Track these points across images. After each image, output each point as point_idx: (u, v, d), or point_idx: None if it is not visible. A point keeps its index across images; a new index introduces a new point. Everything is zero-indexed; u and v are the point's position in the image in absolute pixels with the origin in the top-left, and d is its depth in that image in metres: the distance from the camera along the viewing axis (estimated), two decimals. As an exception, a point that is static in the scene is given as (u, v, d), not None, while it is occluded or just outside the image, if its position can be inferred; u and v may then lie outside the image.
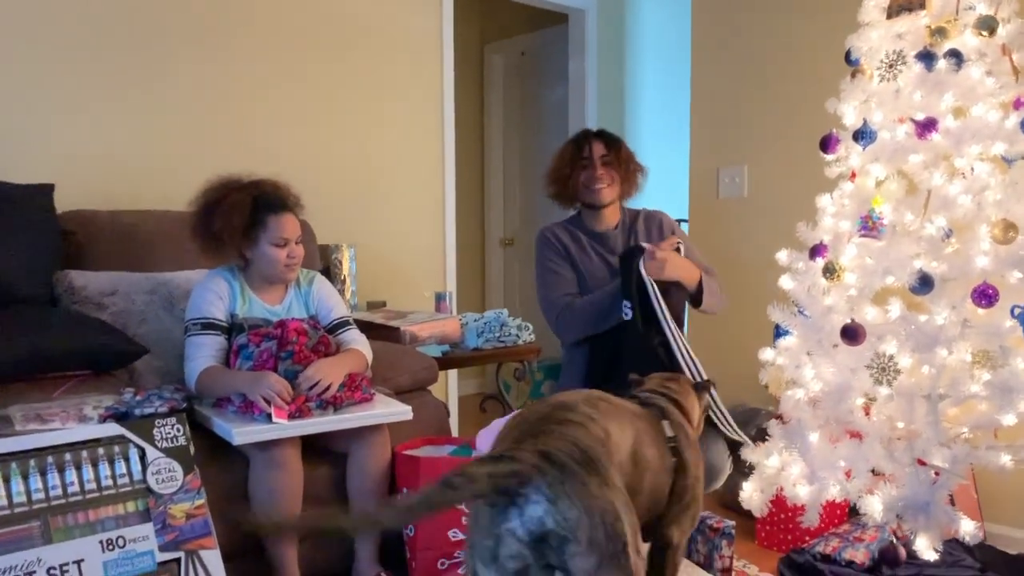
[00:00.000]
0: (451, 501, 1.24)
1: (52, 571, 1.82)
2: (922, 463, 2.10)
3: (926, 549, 2.09)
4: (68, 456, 1.94)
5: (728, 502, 2.90)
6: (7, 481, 1.85)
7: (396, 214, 3.79)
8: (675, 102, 4.35)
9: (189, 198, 2.40)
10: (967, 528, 2.04)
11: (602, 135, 2.74)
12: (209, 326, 2.28)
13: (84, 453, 1.97)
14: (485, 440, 2.49)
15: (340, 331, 2.46)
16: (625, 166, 2.70)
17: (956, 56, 2.18)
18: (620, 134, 4.83)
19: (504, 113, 5.49)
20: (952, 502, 2.13)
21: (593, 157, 2.68)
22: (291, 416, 2.13)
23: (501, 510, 1.26)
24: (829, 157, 2.49)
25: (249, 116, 3.30)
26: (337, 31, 3.54)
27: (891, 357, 2.15)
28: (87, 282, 2.48)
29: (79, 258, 2.59)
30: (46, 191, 2.56)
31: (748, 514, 2.62)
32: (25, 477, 1.87)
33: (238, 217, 2.30)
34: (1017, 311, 2.08)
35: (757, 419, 3.18)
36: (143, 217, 2.78)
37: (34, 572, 1.79)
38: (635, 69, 4.89)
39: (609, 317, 2.52)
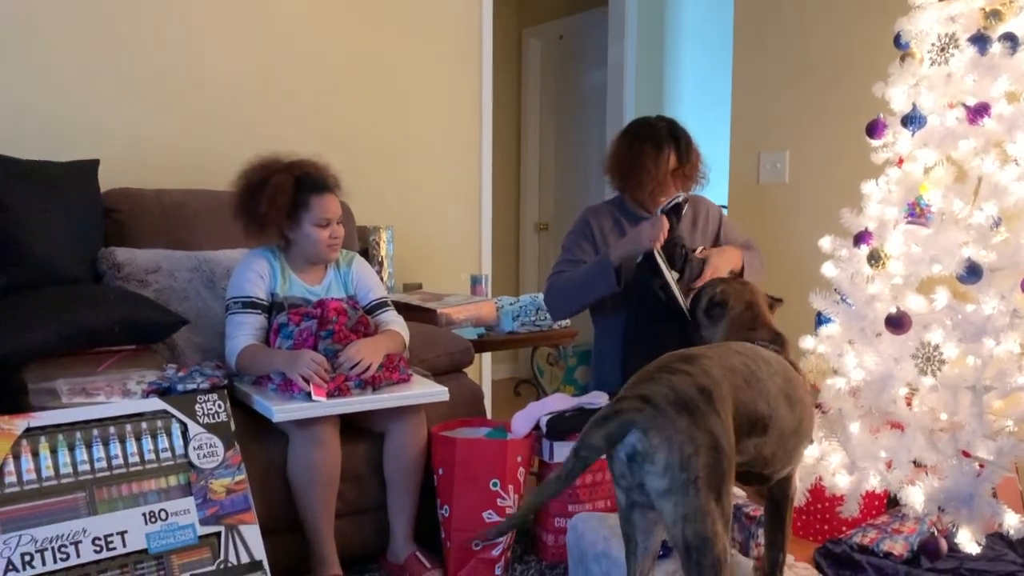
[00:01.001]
0: (585, 466, 1.54)
1: (97, 541, 1.85)
2: (966, 455, 2.06)
3: (968, 542, 2.06)
4: (112, 429, 1.98)
5: (763, 491, 2.88)
6: (54, 452, 1.89)
7: (433, 197, 3.80)
8: (715, 86, 4.29)
9: (231, 177, 2.42)
10: (1011, 522, 2.01)
11: (677, 141, 2.62)
12: (250, 304, 2.30)
13: (128, 427, 2.00)
14: (521, 423, 2.50)
15: (378, 312, 2.47)
16: (692, 177, 2.66)
17: (1011, 40, 2.13)
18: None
19: (541, 97, 5.46)
20: (995, 495, 2.09)
21: (664, 169, 2.59)
22: (330, 394, 2.15)
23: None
24: (876, 143, 2.44)
25: (290, 96, 3.31)
26: (378, 12, 3.54)
27: (936, 347, 2.11)
28: (131, 259, 2.51)
29: (123, 235, 2.62)
30: (91, 168, 2.60)
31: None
32: (71, 449, 1.91)
33: (282, 198, 2.31)
34: (1069, 302, 2.03)
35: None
36: (188, 196, 2.81)
37: (80, 542, 1.83)
38: (675, 53, 4.84)
39: (587, 291, 2.57)
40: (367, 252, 3.24)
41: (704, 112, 4.60)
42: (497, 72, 4.21)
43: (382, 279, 3.31)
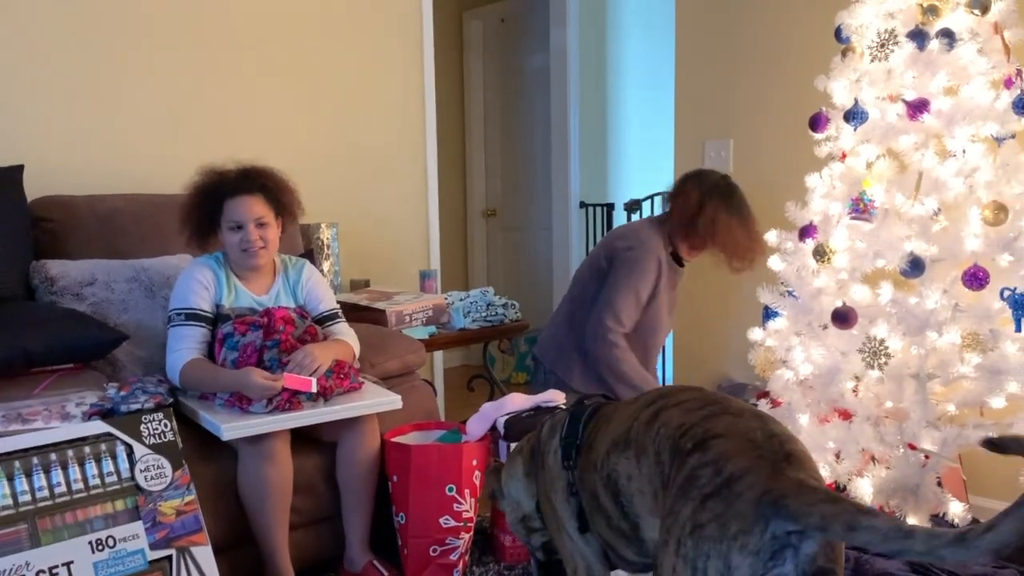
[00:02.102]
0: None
1: (41, 574, 1.79)
2: (912, 447, 2.12)
3: (915, 530, 2.11)
4: (53, 456, 1.91)
5: None
6: (-9, 484, 1.81)
7: (378, 190, 3.73)
8: (660, 72, 4.30)
9: (168, 179, 2.35)
10: (955, 510, 2.07)
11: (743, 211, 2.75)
12: (193, 316, 2.24)
13: (70, 452, 1.94)
14: (476, 425, 2.48)
15: (329, 323, 2.42)
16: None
17: (948, 36, 2.16)
18: (602, 104, 4.82)
19: (484, 81, 5.41)
20: (940, 483, 2.15)
21: (737, 236, 2.70)
22: (287, 403, 2.12)
23: (775, 551, 1.20)
24: (818, 136, 2.47)
25: (225, 95, 3.21)
26: (312, 3, 3.45)
27: (882, 341, 2.15)
28: (64, 271, 2.42)
29: (54, 247, 2.52)
30: (14, 174, 2.48)
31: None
32: (10, 479, 1.84)
33: (200, 202, 2.31)
34: (1007, 294, 2.09)
35: (744, 394, 3.20)
36: (123, 201, 2.71)
37: (23, 576, 1.77)
38: (618, 38, 4.82)
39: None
40: (312, 251, 3.18)
41: (648, 96, 4.61)
42: (439, 57, 4.15)
43: (328, 278, 3.26)
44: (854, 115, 2.29)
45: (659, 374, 2.73)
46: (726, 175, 2.77)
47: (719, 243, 2.70)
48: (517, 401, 2.52)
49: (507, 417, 2.46)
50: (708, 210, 2.64)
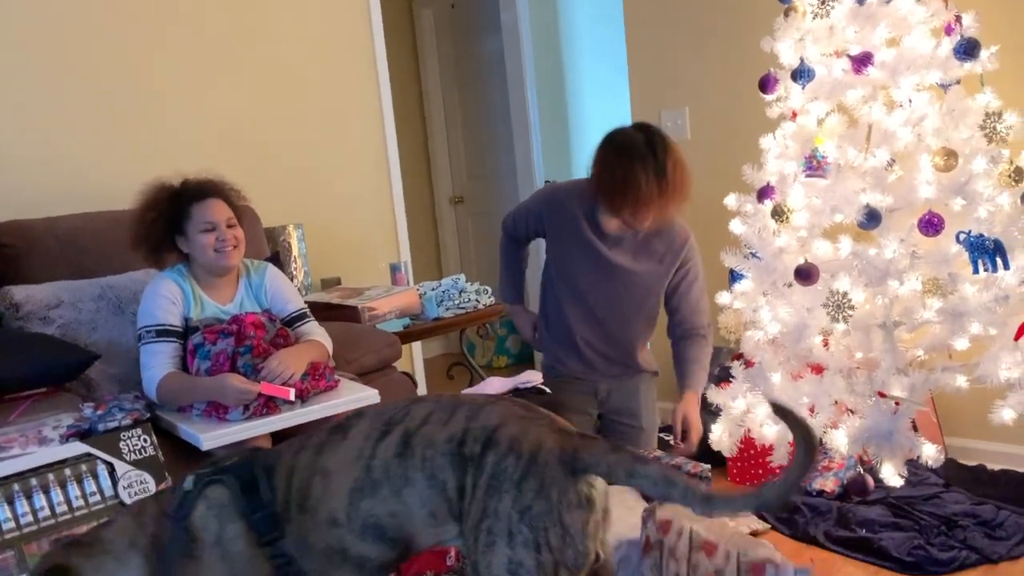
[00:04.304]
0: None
1: (33, 599, 1.80)
2: (883, 395, 2.16)
3: (892, 476, 2.16)
4: (34, 481, 1.91)
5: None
6: (-26, 515, 1.81)
7: (341, 186, 3.72)
8: (612, 45, 4.30)
9: (125, 193, 2.34)
10: (929, 452, 2.12)
11: (660, 164, 2.30)
12: (163, 332, 2.23)
13: (51, 476, 1.93)
14: (455, 413, 2.50)
15: (298, 324, 2.42)
16: (677, 200, 2.36)
17: (886, -13, 2.18)
18: (559, 81, 4.82)
19: (440, 69, 5.39)
20: (915, 427, 2.20)
21: (646, 195, 2.29)
22: (264, 408, 2.13)
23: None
24: (769, 97, 2.49)
25: (178, 106, 3.19)
26: (259, 5, 3.42)
27: (845, 294, 2.19)
28: (28, 296, 2.40)
29: (16, 272, 2.50)
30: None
31: (707, 449, 2.68)
32: (-8, 508, 1.84)
33: (152, 213, 2.30)
34: (963, 237, 2.13)
35: (719, 358, 3.24)
36: (82, 220, 2.69)
37: (14, 603, 1.78)
38: (569, 14, 4.81)
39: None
40: (278, 254, 3.17)
41: (604, 70, 4.61)
42: (391, 47, 4.13)
43: (298, 279, 3.25)
44: (801, 74, 2.32)
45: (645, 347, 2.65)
46: (649, 130, 2.42)
47: (594, 178, 2.41)
48: (495, 385, 2.54)
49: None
50: (596, 152, 2.43)
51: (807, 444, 1.26)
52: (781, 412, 1.31)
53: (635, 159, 2.29)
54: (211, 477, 1.47)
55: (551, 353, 2.67)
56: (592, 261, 2.50)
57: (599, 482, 1.37)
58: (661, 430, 2.83)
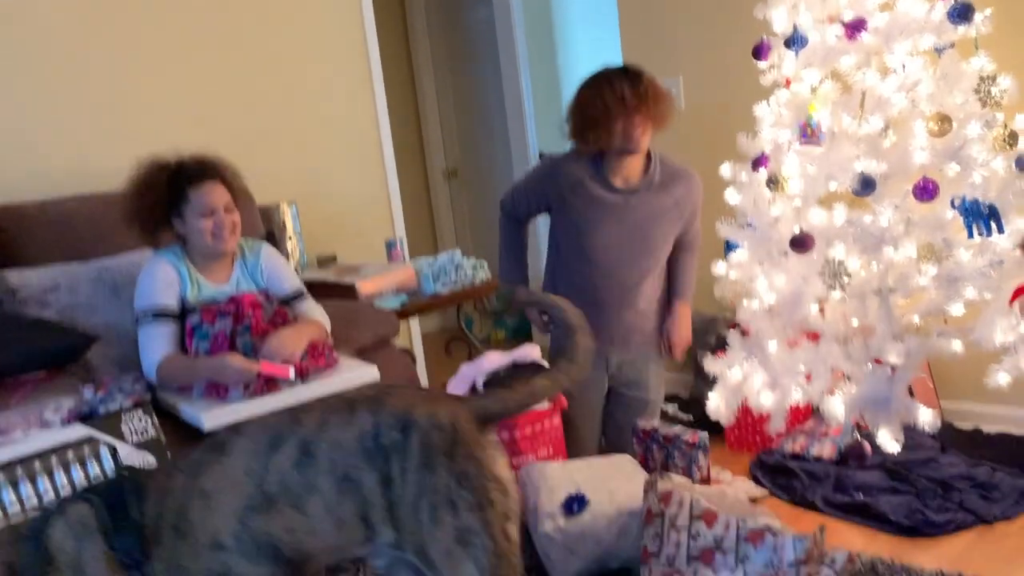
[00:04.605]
0: None
1: (40, 581, 1.81)
2: (879, 362, 2.17)
3: (889, 441, 2.18)
4: (37, 464, 1.92)
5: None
6: (-22, 499, 1.82)
7: (334, 162, 3.71)
8: (605, 13, 4.26)
9: (117, 177, 2.33)
10: (925, 418, 2.14)
11: (632, 74, 2.48)
12: (161, 315, 2.24)
13: (54, 459, 1.94)
14: (456, 387, 2.52)
15: (295, 303, 2.42)
16: (661, 109, 2.48)
17: (879, -49, 2.17)
18: (551, 50, 4.78)
19: (431, 41, 5.34)
20: (911, 392, 2.22)
21: (627, 100, 2.42)
22: (264, 387, 2.13)
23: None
24: (762, 65, 2.48)
25: (168, 85, 3.16)
26: (246, -20, 3.38)
27: (841, 262, 2.19)
28: (25, 281, 2.40)
29: (11, 256, 2.49)
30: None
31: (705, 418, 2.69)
32: (-4, 492, 1.85)
33: (152, 195, 2.27)
34: (957, 202, 2.13)
35: (716, 327, 3.25)
36: (76, 203, 2.68)
37: (22, 585, 1.79)
38: (560, -19, 4.77)
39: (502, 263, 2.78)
40: (273, 233, 3.16)
41: (597, 40, 4.58)
42: (381, 19, 4.08)
43: (293, 257, 3.25)
44: (794, 41, 2.30)
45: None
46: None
47: (573, 128, 2.53)
48: (493, 359, 2.55)
49: (487, 376, 2.50)
50: (571, 100, 2.55)
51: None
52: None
53: (605, 78, 2.47)
54: (77, 496, 1.41)
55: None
56: (611, 217, 2.54)
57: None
58: None
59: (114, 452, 2.02)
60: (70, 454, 1.97)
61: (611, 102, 2.42)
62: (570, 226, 2.59)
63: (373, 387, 1.51)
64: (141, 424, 2.08)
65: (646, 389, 2.72)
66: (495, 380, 2.49)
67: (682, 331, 2.66)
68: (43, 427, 2.00)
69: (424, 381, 3.83)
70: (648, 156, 2.56)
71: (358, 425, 1.38)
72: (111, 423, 2.05)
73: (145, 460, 2.05)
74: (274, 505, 1.35)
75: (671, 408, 3.24)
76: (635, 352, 2.69)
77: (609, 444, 2.80)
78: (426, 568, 1.35)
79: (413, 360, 2.88)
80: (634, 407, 2.74)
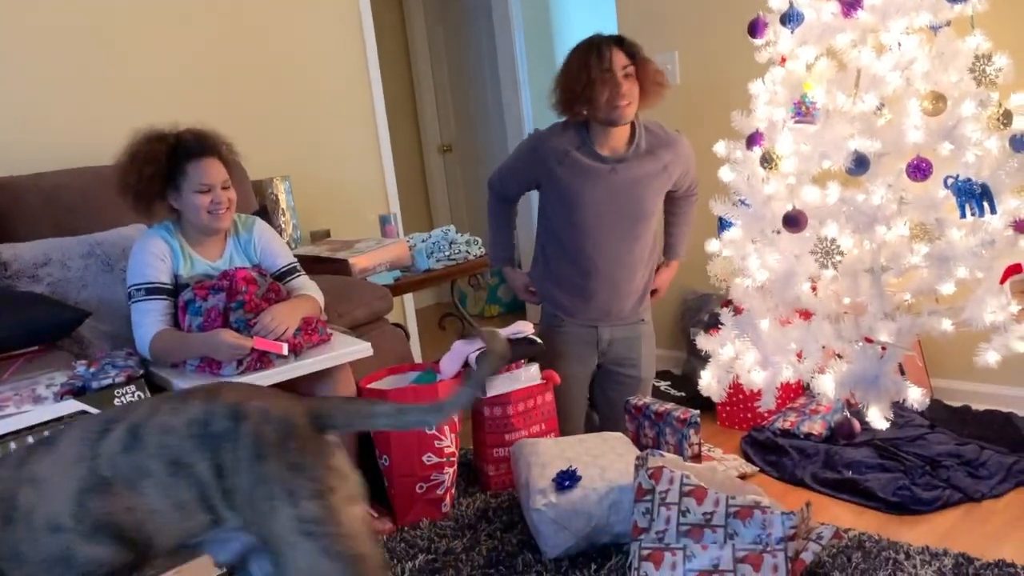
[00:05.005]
0: None
1: (35, 554, 1.82)
2: (869, 341, 2.18)
3: (878, 419, 2.20)
4: (30, 440, 1.92)
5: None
6: (-28, 474, 1.83)
7: (327, 136, 3.69)
8: (600, -12, 4.23)
9: (109, 151, 2.31)
10: (915, 396, 2.15)
11: (622, 43, 2.51)
12: (154, 290, 2.23)
13: (47, 434, 1.95)
14: (449, 363, 2.53)
15: (288, 278, 2.42)
16: (649, 82, 2.51)
17: (876, -73, 2.14)
18: (546, 25, 4.75)
19: (425, 14, 5.29)
20: (902, 371, 2.23)
21: (615, 70, 2.46)
22: (258, 363, 2.14)
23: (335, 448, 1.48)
24: (758, 42, 2.46)
25: (161, 59, 3.13)
26: (239, -49, 3.34)
27: (833, 240, 2.19)
28: (16, 255, 2.39)
29: (4, 230, 2.49)
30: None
31: (697, 395, 2.71)
32: (-10, 467, 1.85)
33: (150, 168, 2.25)
34: (950, 182, 2.13)
35: (709, 304, 3.26)
36: (68, 176, 2.67)
37: (17, 558, 1.80)
38: (555, -44, 4.72)
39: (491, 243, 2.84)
40: (266, 208, 3.15)
41: (592, 12, 4.54)
42: (375, -6, 4.05)
43: (286, 232, 3.24)
44: (790, 17, 2.29)
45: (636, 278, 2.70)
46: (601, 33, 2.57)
47: (561, 96, 2.56)
48: (486, 336, 2.55)
49: (478, 353, 2.50)
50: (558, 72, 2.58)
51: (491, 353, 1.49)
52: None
53: (595, 46, 2.49)
54: None
55: (554, 303, 2.71)
56: (599, 185, 2.57)
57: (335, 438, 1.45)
58: None
59: (107, 427, 2.03)
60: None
61: (597, 72, 2.45)
62: (559, 198, 2.61)
63: (213, 383, 1.48)
64: (134, 400, 2.08)
65: (637, 367, 2.75)
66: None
67: (664, 284, 2.81)
68: (36, 402, 2.00)
69: (417, 356, 3.84)
70: (633, 126, 2.59)
71: (188, 412, 1.38)
72: (104, 398, 2.05)
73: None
74: (111, 487, 1.36)
75: (663, 385, 3.26)
76: (627, 320, 2.72)
77: (603, 422, 2.82)
78: (274, 556, 1.34)
79: (407, 335, 2.89)
80: (627, 385, 2.76)
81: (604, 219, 2.59)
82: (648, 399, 2.64)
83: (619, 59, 2.48)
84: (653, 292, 2.80)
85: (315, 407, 1.43)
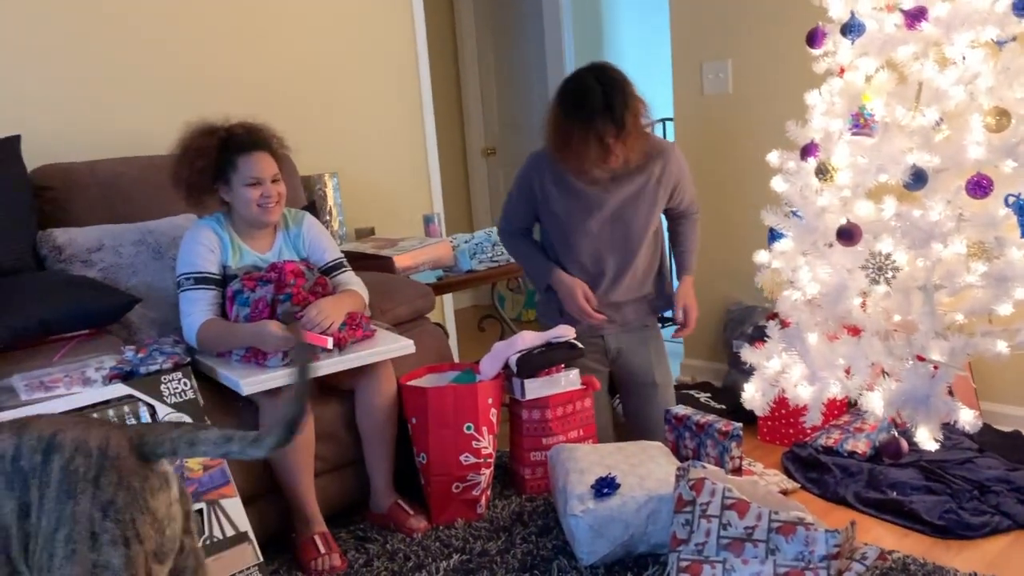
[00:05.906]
0: None
1: (79, 534, 1.85)
2: (921, 359, 2.13)
3: (927, 440, 2.15)
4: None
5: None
6: (22, 452, 1.86)
7: (375, 135, 3.71)
8: (652, -5, 4.21)
9: (166, 140, 2.35)
10: (966, 418, 2.09)
11: (612, 110, 2.39)
12: (203, 280, 2.26)
13: (95, 415, 1.98)
14: (489, 365, 2.52)
15: (335, 273, 2.44)
16: (635, 137, 2.46)
17: (944, -61, 2.10)
18: (597, 32, 4.73)
19: (476, 18, 5.31)
20: (951, 392, 2.17)
21: (607, 144, 2.41)
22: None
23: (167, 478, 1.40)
24: (816, 52, 2.43)
25: (216, 53, 3.18)
26: (296, -51, 3.38)
27: (888, 256, 2.15)
28: (71, 239, 2.44)
29: (59, 215, 2.53)
30: (12, 145, 2.48)
31: (738, 408, 2.67)
32: (39, 446, 1.88)
33: (201, 161, 2.28)
34: (1011, 200, 2.08)
35: (753, 317, 3.22)
36: (123, 164, 2.71)
37: (61, 537, 1.83)
38: (608, -38, 4.72)
39: (528, 276, 2.81)
40: (314, 203, 3.18)
41: (644, 20, 4.53)
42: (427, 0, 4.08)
43: (332, 228, 3.26)
44: (851, 28, 2.25)
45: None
46: (603, 73, 2.46)
47: (552, 141, 2.54)
48: (528, 339, 2.55)
49: (519, 355, 2.49)
50: (551, 109, 2.53)
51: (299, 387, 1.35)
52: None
53: (588, 116, 2.40)
54: None
55: (561, 313, 2.71)
56: (592, 209, 2.61)
57: (168, 467, 1.36)
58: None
59: (153, 412, 2.05)
60: (110, 412, 2.00)
61: (591, 144, 2.42)
62: (556, 221, 2.66)
63: (26, 416, 1.36)
64: (179, 386, 2.11)
65: (651, 372, 2.74)
66: (528, 359, 2.48)
67: (692, 303, 2.73)
68: (86, 384, 2.04)
69: (456, 356, 3.84)
70: None
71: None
72: (151, 383, 2.08)
73: (182, 421, 2.08)
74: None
75: (703, 396, 3.22)
76: (632, 326, 2.74)
77: (634, 435, 2.80)
78: None
79: (446, 335, 2.89)
80: (646, 394, 2.75)
81: (602, 237, 2.64)
82: (690, 410, 2.61)
83: (608, 131, 2.40)
84: (684, 313, 2.72)
85: (142, 433, 1.33)
